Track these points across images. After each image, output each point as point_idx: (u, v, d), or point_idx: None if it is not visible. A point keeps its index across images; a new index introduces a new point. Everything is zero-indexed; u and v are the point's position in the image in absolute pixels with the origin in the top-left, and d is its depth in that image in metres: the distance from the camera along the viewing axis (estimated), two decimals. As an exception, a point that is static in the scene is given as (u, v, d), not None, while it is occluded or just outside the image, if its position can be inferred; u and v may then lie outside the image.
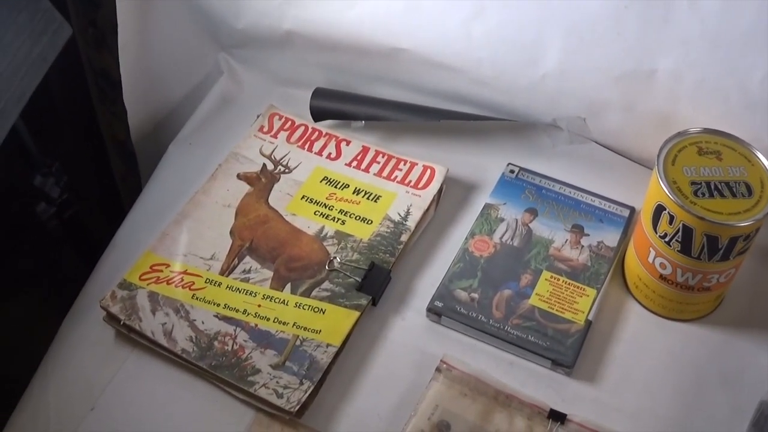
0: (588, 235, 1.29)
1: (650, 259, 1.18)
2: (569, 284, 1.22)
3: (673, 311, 1.22)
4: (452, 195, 1.38)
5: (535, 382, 1.16)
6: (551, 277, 1.23)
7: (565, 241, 1.27)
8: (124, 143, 1.50)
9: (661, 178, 1.12)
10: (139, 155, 1.54)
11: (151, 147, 1.53)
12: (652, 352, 1.20)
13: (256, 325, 1.18)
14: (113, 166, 1.59)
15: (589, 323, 1.19)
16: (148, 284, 1.23)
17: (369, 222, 1.30)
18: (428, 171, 1.37)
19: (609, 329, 1.22)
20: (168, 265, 1.25)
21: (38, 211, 1.53)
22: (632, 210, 1.33)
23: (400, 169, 1.38)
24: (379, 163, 1.39)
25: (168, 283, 1.23)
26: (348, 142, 1.42)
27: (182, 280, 1.23)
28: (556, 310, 1.20)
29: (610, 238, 1.29)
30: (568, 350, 1.16)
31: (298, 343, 1.16)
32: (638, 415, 1.14)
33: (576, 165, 1.40)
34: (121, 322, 1.19)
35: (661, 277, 1.18)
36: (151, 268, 1.25)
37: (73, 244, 1.63)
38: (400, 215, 1.30)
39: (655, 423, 1.13)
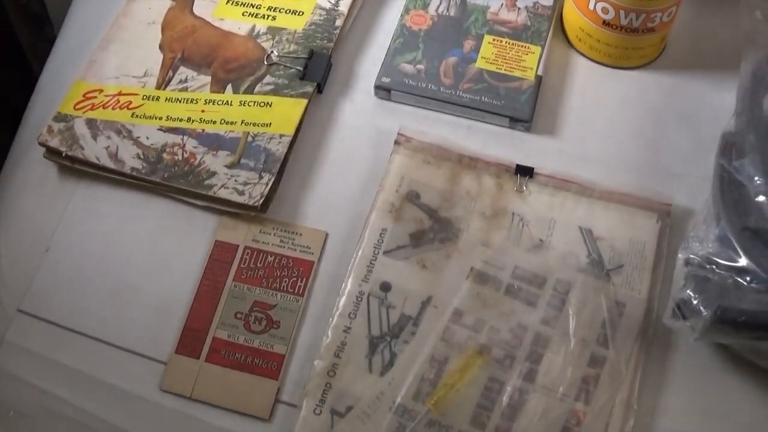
0: (522, -4, 1.19)
1: (591, 6, 1.11)
2: (513, 44, 1.15)
3: (619, 58, 1.16)
4: (377, -22, 1.26)
5: (495, 142, 1.11)
6: (494, 40, 1.16)
7: (501, 5, 1.20)
8: (27, 5, 1.36)
9: None
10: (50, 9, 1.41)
11: None
12: (605, 100, 1.15)
13: (203, 130, 1.10)
14: (20, 36, 1.46)
15: (539, 78, 1.13)
16: (84, 112, 1.13)
17: (300, 13, 1.20)
18: (345, -43, 1.24)
19: (559, 84, 1.16)
20: (101, 90, 1.15)
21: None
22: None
23: (317, -40, 1.25)
24: (295, -43, 1.26)
25: (104, 108, 1.14)
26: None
27: (118, 101, 1.14)
28: (505, 69, 1.13)
29: (545, -3, 1.19)
30: (524, 106, 1.10)
31: (249, 139, 1.08)
32: (605, 161, 1.09)
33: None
34: (63, 154, 1.10)
35: (605, 23, 1.11)
36: (83, 96, 1.15)
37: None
38: (330, 2, 1.21)
39: (623, 165, 1.09)
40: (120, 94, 1.15)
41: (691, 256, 0.90)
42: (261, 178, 1.04)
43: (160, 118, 1.11)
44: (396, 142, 1.08)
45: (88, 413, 0.98)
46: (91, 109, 1.13)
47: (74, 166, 1.11)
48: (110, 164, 1.08)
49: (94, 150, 1.09)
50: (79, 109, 1.13)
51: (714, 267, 0.88)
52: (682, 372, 0.97)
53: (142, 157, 1.08)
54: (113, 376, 1.00)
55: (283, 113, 1.10)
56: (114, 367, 1.01)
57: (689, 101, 1.14)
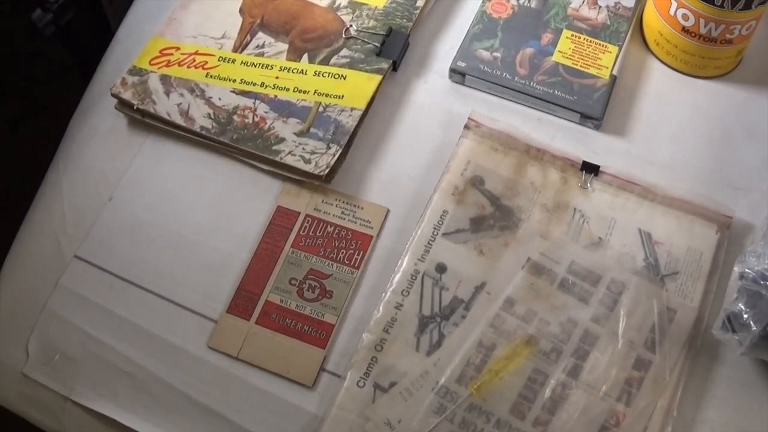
0: (604, -5, 1.20)
1: (672, 12, 1.12)
2: (591, 42, 1.16)
3: (695, 67, 1.16)
4: (464, -38, 1.28)
5: (564, 136, 1.12)
6: (572, 35, 1.17)
7: (583, 2, 1.21)
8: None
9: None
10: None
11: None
12: (677, 107, 1.16)
13: (276, 96, 1.12)
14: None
15: (614, 78, 1.14)
16: (159, 68, 1.16)
17: (382, -9, 1.20)
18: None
19: (633, 86, 1.16)
20: (178, 48, 1.18)
21: (34, 19, 1.43)
22: (644, -29, 1.23)
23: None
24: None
25: (179, 65, 1.16)
26: None
27: (194, 60, 1.16)
28: (580, 66, 1.14)
29: (627, -2, 1.20)
30: (596, 103, 1.11)
31: (321, 109, 1.10)
32: (671, 166, 1.10)
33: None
34: (135, 107, 1.12)
35: (684, 30, 1.12)
36: (160, 52, 1.18)
37: (71, 51, 1.55)
38: (413, -18, 1.20)
39: (688, 173, 1.10)
40: (196, 53, 1.17)
41: (747, 270, 0.91)
42: (329, 148, 1.06)
43: (234, 81, 1.13)
44: (466, 126, 1.09)
45: (134, 363, 1.01)
46: (167, 65, 1.15)
47: (144, 120, 1.13)
48: (180, 121, 1.10)
49: (166, 106, 1.12)
50: (154, 64, 1.15)
51: (768, 284, 0.88)
52: (726, 386, 0.97)
53: (212, 117, 1.10)
54: (163, 329, 1.02)
55: (356, 87, 1.12)
56: (164, 320, 1.03)
57: (760, 117, 1.14)
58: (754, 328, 0.88)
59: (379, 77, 1.12)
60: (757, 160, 1.10)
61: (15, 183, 1.19)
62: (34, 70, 1.58)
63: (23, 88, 1.59)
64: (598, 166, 1.06)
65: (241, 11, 1.21)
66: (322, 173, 1.04)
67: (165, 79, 1.13)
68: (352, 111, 1.09)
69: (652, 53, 1.19)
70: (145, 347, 1.01)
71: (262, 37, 1.18)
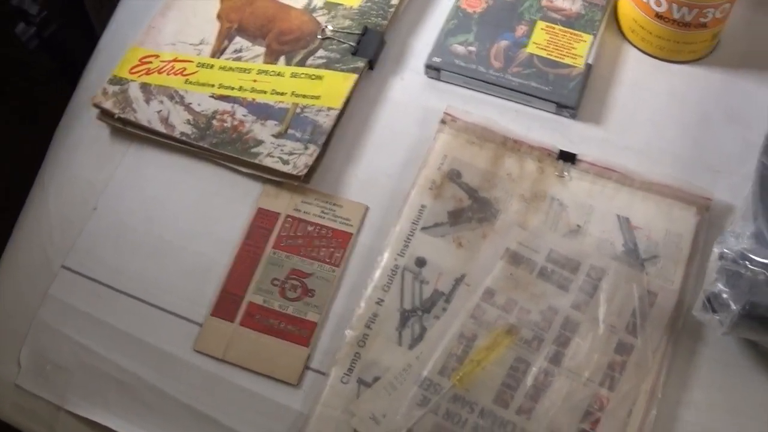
0: (578, -15, 1.21)
1: (644, -2, 1.10)
2: (565, 32, 1.17)
3: (670, 52, 1.17)
4: (437, -41, 1.29)
5: (541, 126, 1.12)
6: (546, 26, 1.18)
7: (557, -8, 1.20)
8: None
9: None
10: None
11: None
12: (653, 93, 1.16)
13: (254, 100, 1.13)
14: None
15: (589, 67, 1.14)
16: (139, 77, 1.17)
17: (356, -10, 1.21)
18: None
19: (609, 74, 1.17)
20: (157, 56, 1.19)
21: (18, 32, 1.45)
22: (616, -41, 1.24)
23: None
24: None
25: (159, 73, 1.17)
26: None
27: (173, 67, 1.18)
28: (555, 56, 1.15)
29: (601, -13, 1.21)
30: (571, 92, 1.12)
31: (298, 110, 1.12)
32: (649, 152, 1.10)
33: None
34: (116, 116, 1.14)
35: (657, 16, 1.13)
36: (140, 61, 1.19)
37: (56, 63, 1.57)
38: (387, -19, 1.22)
39: (666, 158, 1.10)
40: (175, 60, 1.18)
41: (725, 250, 0.91)
42: (306, 149, 1.07)
43: (213, 86, 1.15)
44: (442, 121, 1.11)
45: (124, 370, 1.02)
46: (147, 74, 1.17)
47: (126, 129, 1.15)
48: (161, 128, 1.12)
49: (146, 114, 1.13)
50: (134, 73, 1.17)
51: (747, 263, 0.90)
52: (709, 366, 0.98)
53: (192, 122, 1.11)
54: (150, 334, 1.04)
55: (332, 87, 1.13)
56: (151, 326, 1.05)
57: (738, 100, 1.15)
58: (733, 307, 0.89)
59: (354, 76, 1.13)
60: (736, 142, 1.11)
61: (15, 183, 1.20)
62: (34, 70, 1.60)
63: (23, 88, 1.61)
64: (575, 155, 1.07)
65: (218, 17, 1.23)
66: (300, 173, 1.05)
67: (145, 87, 1.15)
68: (329, 111, 1.10)
69: (627, 40, 1.20)
70: (134, 354, 1.03)
71: (239, 41, 1.19)
